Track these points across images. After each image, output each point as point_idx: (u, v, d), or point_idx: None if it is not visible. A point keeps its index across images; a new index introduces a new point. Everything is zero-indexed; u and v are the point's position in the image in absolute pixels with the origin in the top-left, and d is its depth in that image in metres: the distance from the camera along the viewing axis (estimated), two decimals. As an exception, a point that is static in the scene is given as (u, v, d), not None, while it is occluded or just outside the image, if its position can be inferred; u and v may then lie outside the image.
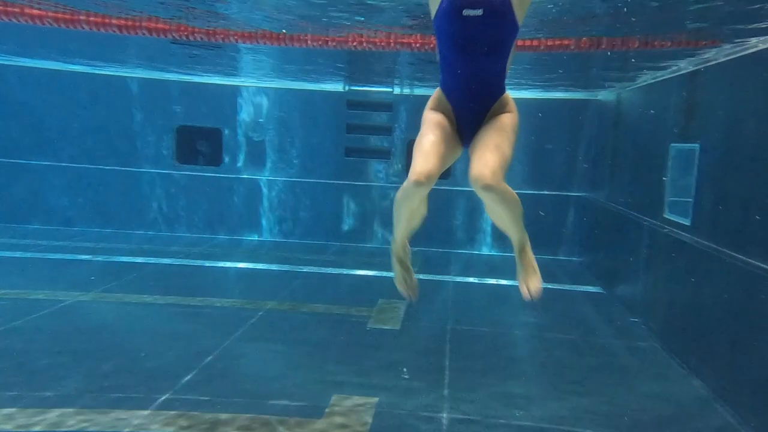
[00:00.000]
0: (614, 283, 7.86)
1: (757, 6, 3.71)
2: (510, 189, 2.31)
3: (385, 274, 8.44)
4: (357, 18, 4.61)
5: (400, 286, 2.88)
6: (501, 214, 2.45)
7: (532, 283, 2.56)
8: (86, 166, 10.45)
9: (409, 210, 2.53)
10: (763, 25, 4.01)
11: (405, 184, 2.36)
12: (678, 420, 4.40)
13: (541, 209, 9.72)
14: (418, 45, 5.01)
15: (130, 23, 4.50)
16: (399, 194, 2.44)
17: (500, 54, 2.39)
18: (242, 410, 4.13)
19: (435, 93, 2.54)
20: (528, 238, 2.63)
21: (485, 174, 2.19)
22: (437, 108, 2.51)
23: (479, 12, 2.25)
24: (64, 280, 7.26)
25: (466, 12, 2.26)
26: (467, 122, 2.49)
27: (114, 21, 4.44)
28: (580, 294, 7.97)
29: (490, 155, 2.26)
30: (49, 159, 10.41)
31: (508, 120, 2.44)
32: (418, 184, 2.27)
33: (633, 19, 4.16)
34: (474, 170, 2.23)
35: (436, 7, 2.38)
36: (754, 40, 4.51)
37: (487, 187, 2.20)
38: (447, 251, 10.15)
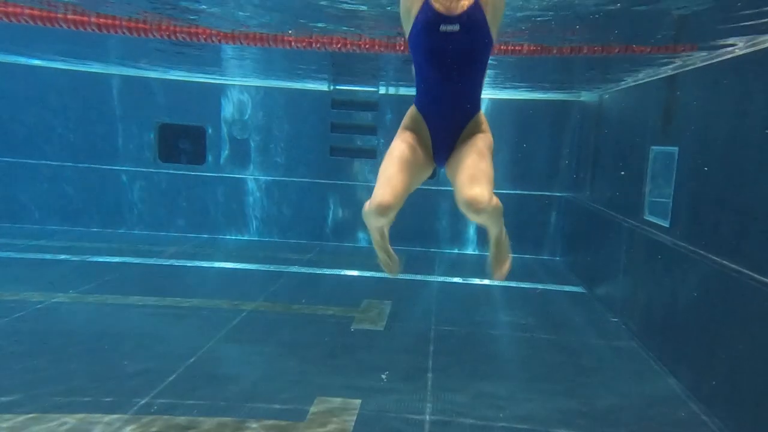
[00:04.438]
0: (595, 283, 7.97)
1: (733, 14, 3.78)
2: (498, 203, 2.37)
3: (369, 274, 8.45)
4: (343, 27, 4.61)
5: (385, 267, 2.94)
6: (486, 223, 2.50)
7: (504, 267, 2.78)
8: (66, 164, 10.26)
9: (377, 227, 2.58)
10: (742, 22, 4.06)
11: (368, 206, 2.38)
12: (654, 419, 4.48)
13: (524, 209, 9.82)
14: (402, 48, 5.01)
15: (109, 22, 4.42)
16: (365, 211, 2.46)
17: (476, 70, 2.41)
18: (224, 414, 4.11)
19: (409, 111, 2.53)
20: (504, 229, 2.71)
21: (480, 200, 2.22)
22: (411, 127, 2.50)
23: (456, 27, 2.26)
24: (41, 281, 7.12)
25: (443, 28, 2.26)
26: (442, 140, 2.49)
27: (93, 19, 4.36)
28: (562, 294, 8.06)
29: (478, 181, 2.27)
30: (28, 157, 10.20)
31: (484, 141, 2.45)
32: (380, 212, 2.32)
33: (615, 31, 4.22)
34: (466, 196, 2.24)
35: (410, 24, 2.37)
36: (730, 47, 4.60)
37: (482, 211, 2.24)
38: (431, 251, 10.19)
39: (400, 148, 2.45)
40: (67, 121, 10.19)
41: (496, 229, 2.64)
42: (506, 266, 2.80)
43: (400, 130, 2.54)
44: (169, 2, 4.28)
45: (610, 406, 4.65)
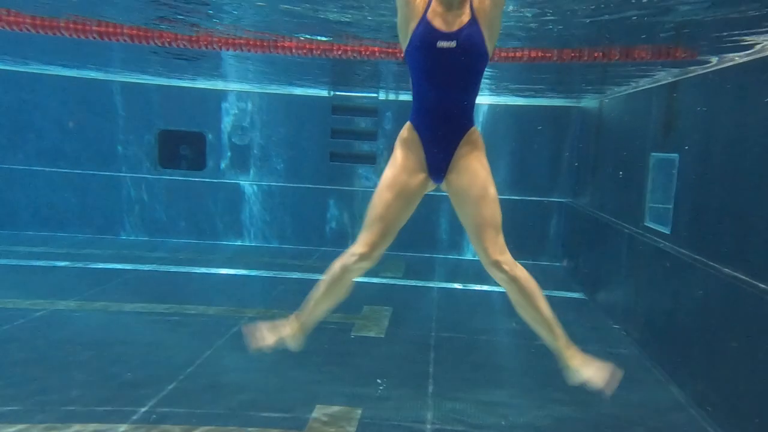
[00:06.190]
0: (596, 289, 7.95)
1: (734, 25, 3.79)
2: (522, 273, 2.49)
3: (370, 280, 8.43)
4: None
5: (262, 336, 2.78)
6: (525, 301, 2.60)
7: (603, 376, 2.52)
8: (66, 170, 10.27)
9: (341, 285, 2.69)
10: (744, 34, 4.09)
11: (347, 258, 2.51)
12: (655, 427, 4.46)
13: (524, 215, 9.81)
14: (402, 55, 5.01)
15: (111, 30, 4.43)
16: (337, 265, 2.57)
17: (472, 84, 2.42)
18: (223, 422, 4.09)
19: (404, 128, 2.54)
20: (568, 341, 2.58)
21: (499, 259, 2.44)
22: (405, 145, 2.51)
23: (453, 44, 2.28)
24: (41, 289, 7.10)
25: (440, 44, 2.29)
26: (437, 156, 2.49)
27: (94, 27, 4.37)
28: (563, 300, 8.02)
29: (494, 235, 2.44)
30: (28, 163, 10.21)
31: (489, 176, 2.48)
32: (361, 259, 2.51)
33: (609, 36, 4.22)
34: (492, 259, 2.45)
35: (408, 41, 2.39)
36: (731, 54, 4.61)
37: (502, 269, 2.45)
38: (431, 256, 10.18)
39: (388, 188, 2.49)
40: (68, 127, 10.19)
41: (548, 332, 2.63)
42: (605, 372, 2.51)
43: (394, 151, 2.55)
44: (169, 17, 4.29)
45: (611, 413, 4.62)
